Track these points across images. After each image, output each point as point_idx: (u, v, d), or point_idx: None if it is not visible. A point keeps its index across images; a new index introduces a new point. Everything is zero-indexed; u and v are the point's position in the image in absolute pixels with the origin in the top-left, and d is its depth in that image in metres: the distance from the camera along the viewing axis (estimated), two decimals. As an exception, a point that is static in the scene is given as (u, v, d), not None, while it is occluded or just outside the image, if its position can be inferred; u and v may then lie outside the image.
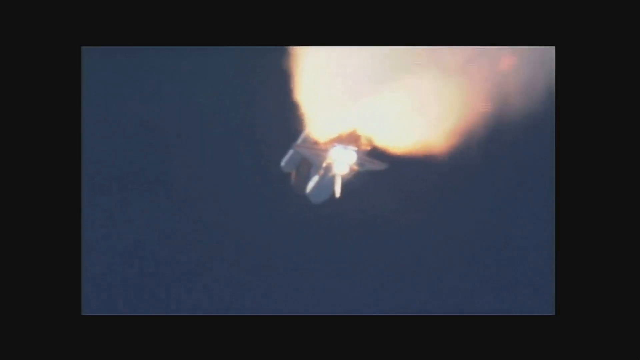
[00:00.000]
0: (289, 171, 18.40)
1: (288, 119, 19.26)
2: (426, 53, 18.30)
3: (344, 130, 17.81)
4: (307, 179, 18.19)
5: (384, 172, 17.78)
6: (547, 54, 17.64)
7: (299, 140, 17.86)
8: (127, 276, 20.33)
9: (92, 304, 19.14)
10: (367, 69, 17.98)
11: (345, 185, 17.70)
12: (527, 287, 19.74)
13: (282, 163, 18.35)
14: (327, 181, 17.79)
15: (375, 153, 17.80)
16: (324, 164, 17.73)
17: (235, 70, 20.63)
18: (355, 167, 17.66)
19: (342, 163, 17.56)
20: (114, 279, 20.25)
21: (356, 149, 17.56)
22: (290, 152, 18.21)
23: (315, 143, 17.83)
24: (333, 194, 17.81)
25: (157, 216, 20.72)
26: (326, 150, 17.62)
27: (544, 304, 18.29)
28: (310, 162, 17.97)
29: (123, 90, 20.96)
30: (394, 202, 20.38)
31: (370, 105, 17.69)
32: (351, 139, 17.69)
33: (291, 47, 18.69)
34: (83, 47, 17.34)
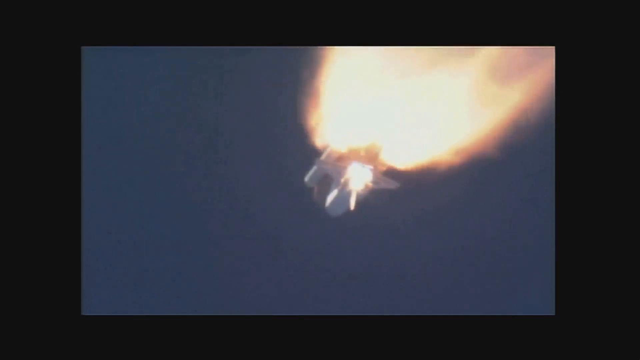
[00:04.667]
0: (312, 186, 19.08)
1: (289, 120, 19.31)
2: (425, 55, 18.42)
3: (363, 148, 18.57)
4: (327, 193, 18.95)
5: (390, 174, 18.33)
6: (547, 54, 17.65)
7: (323, 156, 18.55)
8: (127, 276, 20.33)
9: (92, 304, 19.11)
10: (381, 73, 18.39)
11: (358, 199, 18.52)
12: (527, 287, 19.74)
13: (306, 178, 19.05)
14: (344, 196, 18.60)
15: (390, 172, 18.54)
16: (342, 180, 18.51)
17: (236, 70, 20.62)
18: (370, 185, 18.46)
19: (358, 180, 18.42)
20: (114, 279, 20.25)
21: (372, 167, 18.40)
22: (314, 167, 18.86)
23: (337, 160, 18.55)
24: (349, 208, 18.66)
25: (157, 216, 20.71)
26: (345, 167, 18.44)
27: (544, 304, 18.28)
28: (330, 177, 18.74)
29: (123, 90, 20.95)
30: (395, 202, 20.38)
31: (390, 121, 18.28)
32: (369, 157, 18.51)
33: (292, 47, 18.69)
34: (83, 47, 17.35)
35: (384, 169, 18.55)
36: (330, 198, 18.79)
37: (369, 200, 18.53)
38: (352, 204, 18.48)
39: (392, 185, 18.61)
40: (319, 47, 18.15)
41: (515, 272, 19.99)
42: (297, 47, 18.29)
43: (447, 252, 20.65)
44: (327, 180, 18.77)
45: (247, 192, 20.77)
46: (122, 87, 21.00)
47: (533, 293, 19.60)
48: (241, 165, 20.67)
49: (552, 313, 16.40)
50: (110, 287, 20.19)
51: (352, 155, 18.43)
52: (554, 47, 16.97)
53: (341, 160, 18.45)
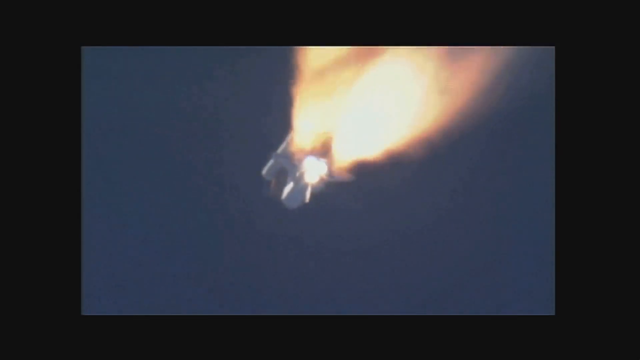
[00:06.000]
0: (269, 179, 19.60)
1: (290, 119, 19.34)
2: (419, 53, 18.52)
3: (318, 141, 19.10)
4: (283, 186, 19.45)
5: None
6: (547, 54, 17.65)
7: (280, 150, 19.14)
8: (127, 276, 20.32)
9: (92, 304, 19.12)
10: (352, 70, 18.64)
11: (318, 193, 19.18)
12: (527, 287, 19.73)
13: (264, 171, 19.55)
14: (299, 189, 19.15)
15: (345, 165, 19.06)
16: (297, 173, 19.11)
17: (236, 70, 20.62)
18: (325, 178, 19.06)
19: (313, 173, 19.03)
20: (114, 279, 20.24)
21: (327, 160, 18.97)
22: (271, 161, 19.39)
23: (293, 153, 19.13)
24: (304, 200, 19.27)
25: (157, 216, 20.71)
26: (300, 160, 19.06)
27: (544, 304, 18.28)
28: (286, 170, 19.29)
29: (123, 90, 20.94)
30: (396, 201, 20.39)
31: (348, 112, 18.64)
32: (324, 150, 19.06)
33: (294, 47, 18.74)
34: (83, 47, 17.35)
35: (341, 161, 19.04)
36: (286, 191, 19.27)
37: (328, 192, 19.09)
38: (308, 197, 19.10)
39: (347, 178, 19.10)
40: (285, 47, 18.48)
41: (515, 272, 19.99)
42: (294, 47, 18.39)
43: (445, 252, 20.64)
44: (284, 173, 19.31)
45: (248, 191, 20.77)
46: (122, 87, 21.00)
47: (533, 293, 19.60)
48: (241, 165, 20.67)
49: (552, 313, 16.40)
50: (110, 287, 20.18)
51: (308, 149, 18.98)
52: (554, 47, 16.97)
53: (297, 154, 19.01)
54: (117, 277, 20.31)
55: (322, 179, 19.03)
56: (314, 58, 18.73)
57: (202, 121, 20.74)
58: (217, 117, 20.75)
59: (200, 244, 21.01)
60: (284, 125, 19.35)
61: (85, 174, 17.97)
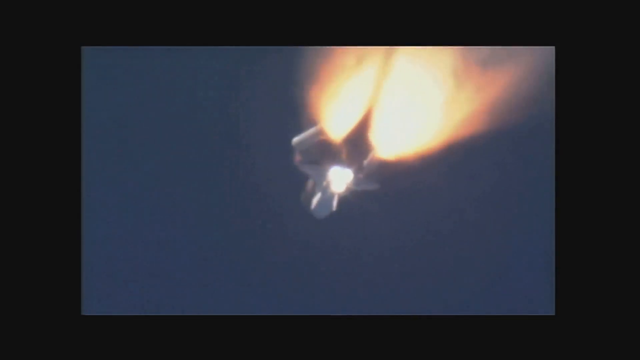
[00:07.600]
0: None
1: (289, 121, 19.36)
2: (420, 54, 18.55)
3: (344, 149, 18.94)
4: (312, 196, 19.38)
5: (383, 171, 18.49)
6: (547, 54, 17.65)
7: (301, 158, 19.02)
8: (127, 276, 20.33)
9: (92, 304, 19.11)
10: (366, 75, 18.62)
11: (342, 201, 19.10)
12: (527, 287, 19.73)
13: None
14: (326, 198, 19.08)
15: (371, 174, 19.00)
16: (324, 183, 19.00)
17: (237, 70, 20.63)
18: (352, 187, 18.96)
19: (339, 182, 18.90)
20: (114, 279, 20.25)
21: (353, 169, 18.88)
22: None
23: (317, 161, 19.01)
24: (332, 209, 19.21)
25: (157, 216, 20.72)
26: (326, 169, 18.91)
27: (544, 304, 18.28)
28: (313, 180, 19.21)
29: (123, 90, 20.96)
30: (391, 202, 20.40)
31: (372, 120, 18.62)
32: (350, 159, 18.94)
33: (295, 47, 18.74)
34: (83, 47, 17.35)
35: (365, 169, 18.97)
36: (314, 201, 19.27)
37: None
38: (335, 206, 19.10)
39: (374, 187, 19.04)
40: (304, 47, 18.44)
41: (515, 272, 19.98)
42: (294, 46, 18.36)
43: (446, 251, 20.64)
44: (311, 183, 19.27)
45: (247, 192, 20.78)
46: (122, 87, 21.01)
47: (533, 293, 19.58)
48: (242, 166, 20.69)
49: (552, 313, 16.39)
50: (110, 287, 20.19)
51: (332, 157, 18.92)
52: (554, 47, 16.97)
53: (321, 162, 18.93)
54: (117, 277, 20.31)
55: (349, 188, 18.99)
56: (330, 59, 18.72)
57: (203, 122, 20.75)
58: (218, 118, 20.76)
59: (200, 243, 21.02)
60: (289, 129, 19.39)
61: (85, 174, 17.96)
